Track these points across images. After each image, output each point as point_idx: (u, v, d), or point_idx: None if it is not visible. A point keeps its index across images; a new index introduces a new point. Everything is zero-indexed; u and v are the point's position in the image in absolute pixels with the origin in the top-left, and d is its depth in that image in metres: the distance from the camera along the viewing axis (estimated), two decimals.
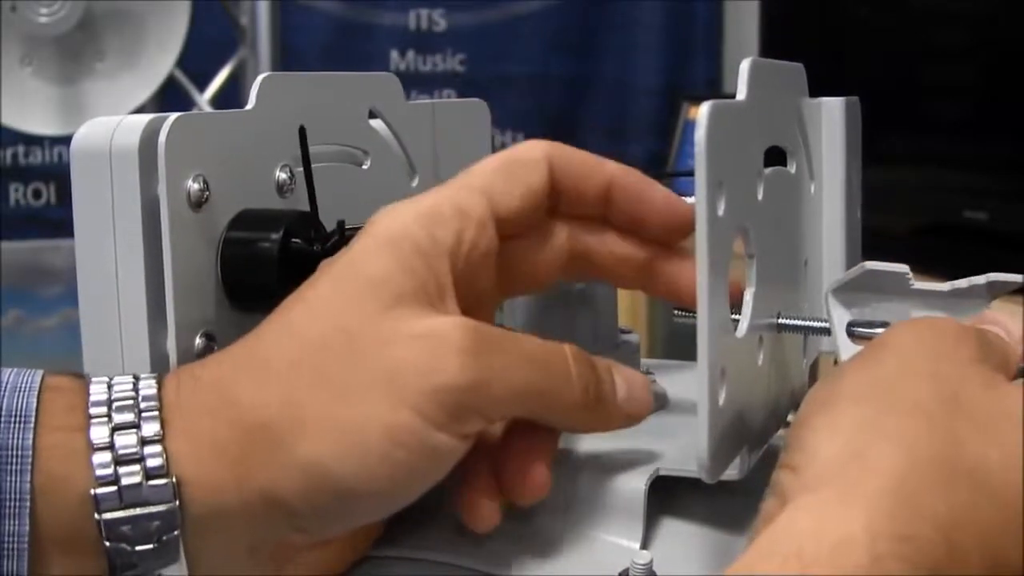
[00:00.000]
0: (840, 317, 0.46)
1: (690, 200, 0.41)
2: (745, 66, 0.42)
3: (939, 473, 0.33)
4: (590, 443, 0.47)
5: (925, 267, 1.41)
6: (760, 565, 0.31)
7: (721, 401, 0.40)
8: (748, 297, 0.44)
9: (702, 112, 0.38)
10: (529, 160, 0.41)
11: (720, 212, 0.39)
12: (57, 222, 1.96)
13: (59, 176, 1.97)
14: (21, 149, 1.97)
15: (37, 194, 1.99)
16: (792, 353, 0.50)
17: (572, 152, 0.42)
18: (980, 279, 0.44)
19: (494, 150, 0.54)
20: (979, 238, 1.47)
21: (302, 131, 0.46)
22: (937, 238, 1.57)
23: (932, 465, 0.33)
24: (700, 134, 0.37)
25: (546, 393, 0.38)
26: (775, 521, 0.33)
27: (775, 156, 0.49)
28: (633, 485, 0.42)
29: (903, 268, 0.45)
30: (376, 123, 0.56)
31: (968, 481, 0.33)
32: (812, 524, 0.32)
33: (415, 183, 0.58)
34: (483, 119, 0.65)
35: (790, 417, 0.50)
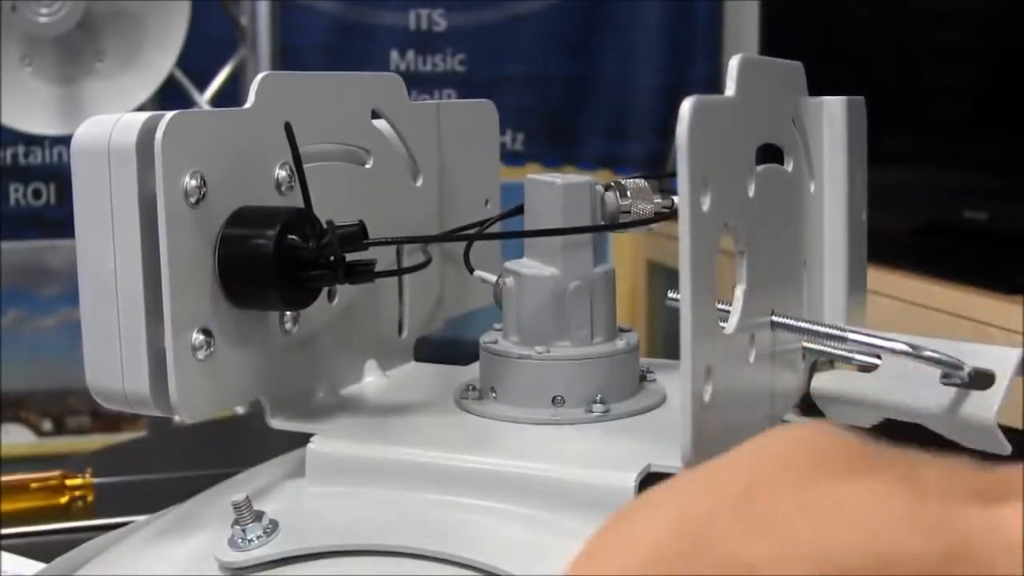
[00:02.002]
0: None
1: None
2: (734, 62, 0.42)
3: (681, 550, 0.29)
4: (583, 439, 0.47)
5: (925, 267, 1.41)
6: None
7: (707, 397, 0.40)
8: (738, 294, 0.44)
9: (684, 107, 0.37)
10: None
11: (705, 208, 0.39)
12: (57, 222, 1.96)
13: (59, 176, 1.97)
14: (21, 149, 1.97)
15: (37, 194, 1.99)
16: (790, 352, 0.50)
17: None
18: None
19: None
20: (979, 238, 1.47)
21: (288, 127, 0.46)
22: (937, 238, 1.57)
23: (678, 543, 0.29)
24: (682, 129, 0.37)
25: None
26: None
27: (775, 154, 0.49)
28: (623, 481, 0.42)
29: None
30: (379, 123, 0.56)
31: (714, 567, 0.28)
32: None
33: (419, 183, 0.58)
34: (491, 120, 0.65)
35: (788, 416, 0.50)
